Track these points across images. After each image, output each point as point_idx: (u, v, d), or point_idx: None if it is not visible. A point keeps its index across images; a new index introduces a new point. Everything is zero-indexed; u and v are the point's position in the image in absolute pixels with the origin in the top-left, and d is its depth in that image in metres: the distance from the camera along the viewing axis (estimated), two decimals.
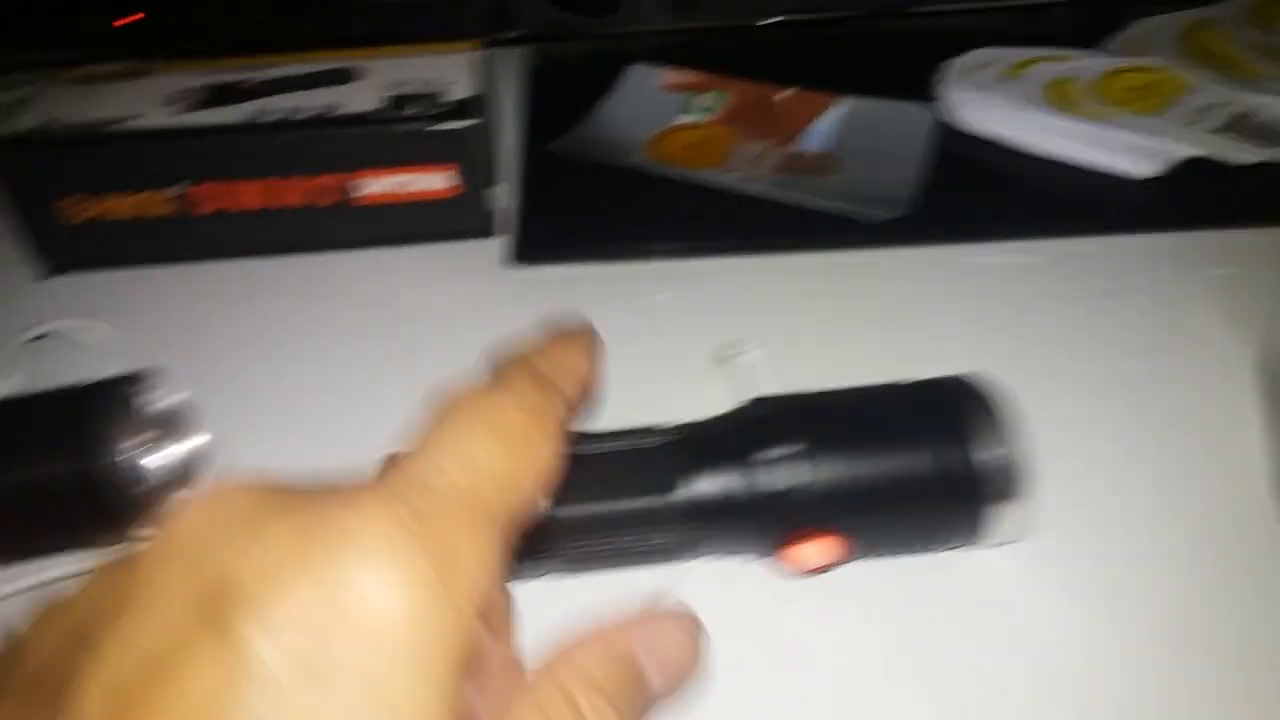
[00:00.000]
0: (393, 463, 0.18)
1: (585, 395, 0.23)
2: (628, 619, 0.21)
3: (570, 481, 0.26)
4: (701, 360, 0.36)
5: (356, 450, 0.35)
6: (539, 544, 0.27)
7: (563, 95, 0.52)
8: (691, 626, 0.22)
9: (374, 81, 0.44)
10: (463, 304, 0.42)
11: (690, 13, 0.57)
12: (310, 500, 0.16)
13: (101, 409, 0.28)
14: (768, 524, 0.26)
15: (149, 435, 0.29)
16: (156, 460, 0.29)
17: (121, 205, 0.42)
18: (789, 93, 0.49)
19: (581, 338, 0.24)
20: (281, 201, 0.42)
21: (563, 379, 0.22)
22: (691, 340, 0.38)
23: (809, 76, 0.50)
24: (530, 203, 0.45)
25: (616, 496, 0.26)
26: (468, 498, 0.17)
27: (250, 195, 0.42)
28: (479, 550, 0.17)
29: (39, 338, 0.39)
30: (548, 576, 0.28)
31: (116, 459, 0.27)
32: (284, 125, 0.41)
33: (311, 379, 0.38)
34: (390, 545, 0.15)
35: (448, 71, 0.44)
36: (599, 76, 0.52)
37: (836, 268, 0.40)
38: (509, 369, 0.22)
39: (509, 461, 0.18)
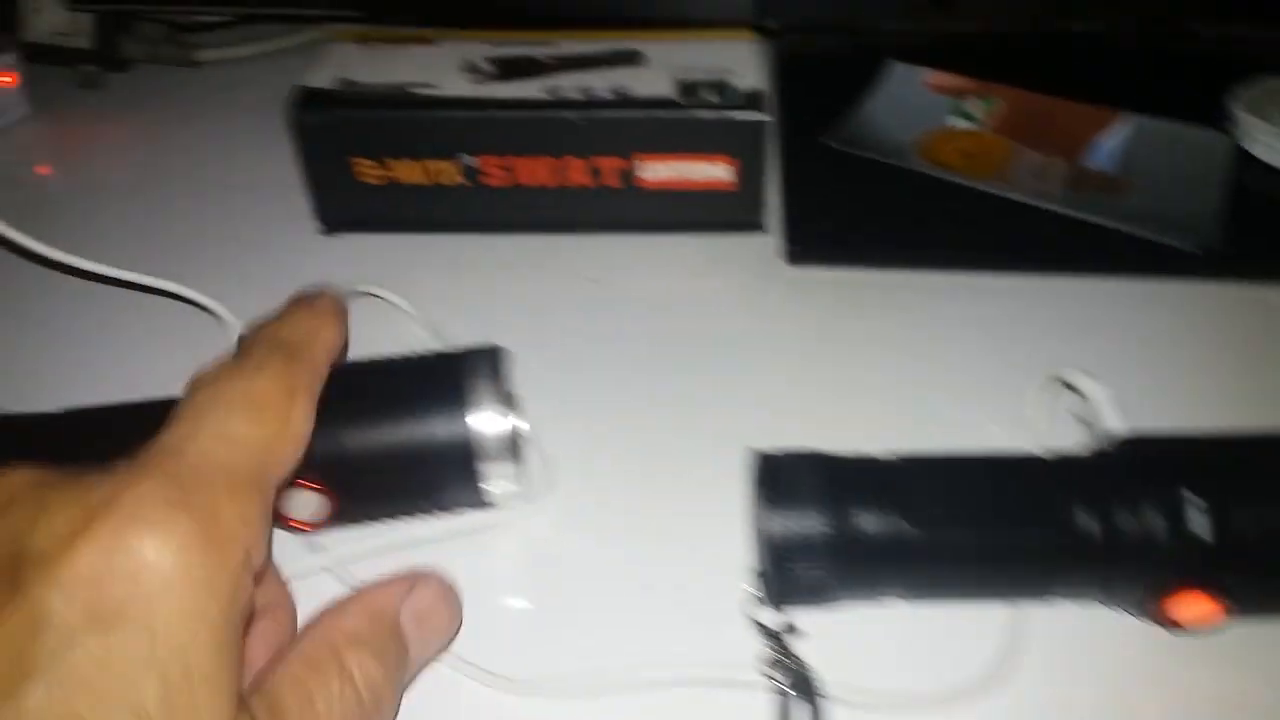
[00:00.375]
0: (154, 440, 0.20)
1: (334, 359, 0.26)
2: (388, 583, 0.24)
3: (929, 502, 0.26)
4: (1007, 382, 0.35)
5: (627, 429, 0.35)
6: (889, 567, 0.26)
7: (815, 88, 0.51)
8: (448, 591, 0.25)
9: (660, 65, 0.43)
10: (737, 298, 0.41)
11: (945, 13, 0.55)
12: (89, 481, 0.19)
13: (479, 377, 0.28)
14: (1148, 574, 0.25)
15: (500, 409, 0.29)
16: (503, 434, 0.29)
17: (412, 170, 0.42)
18: (1066, 105, 0.48)
19: (325, 303, 0.27)
20: (567, 180, 0.42)
21: (311, 346, 0.24)
22: (990, 360, 0.37)
23: (1081, 89, 0.48)
24: (797, 198, 0.45)
25: (988, 524, 0.26)
26: (226, 466, 0.20)
27: (539, 171, 0.42)
28: (240, 512, 0.19)
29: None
30: (883, 601, 0.28)
31: (483, 429, 0.28)
32: (582, 105, 0.41)
33: (585, 359, 0.38)
34: (160, 514, 0.18)
35: (733, 61, 0.44)
36: (851, 72, 0.51)
37: (1144, 296, 0.39)
38: (256, 341, 0.24)
39: (260, 429, 0.21)
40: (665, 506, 0.33)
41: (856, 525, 0.26)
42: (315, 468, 0.28)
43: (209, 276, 0.38)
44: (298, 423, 0.22)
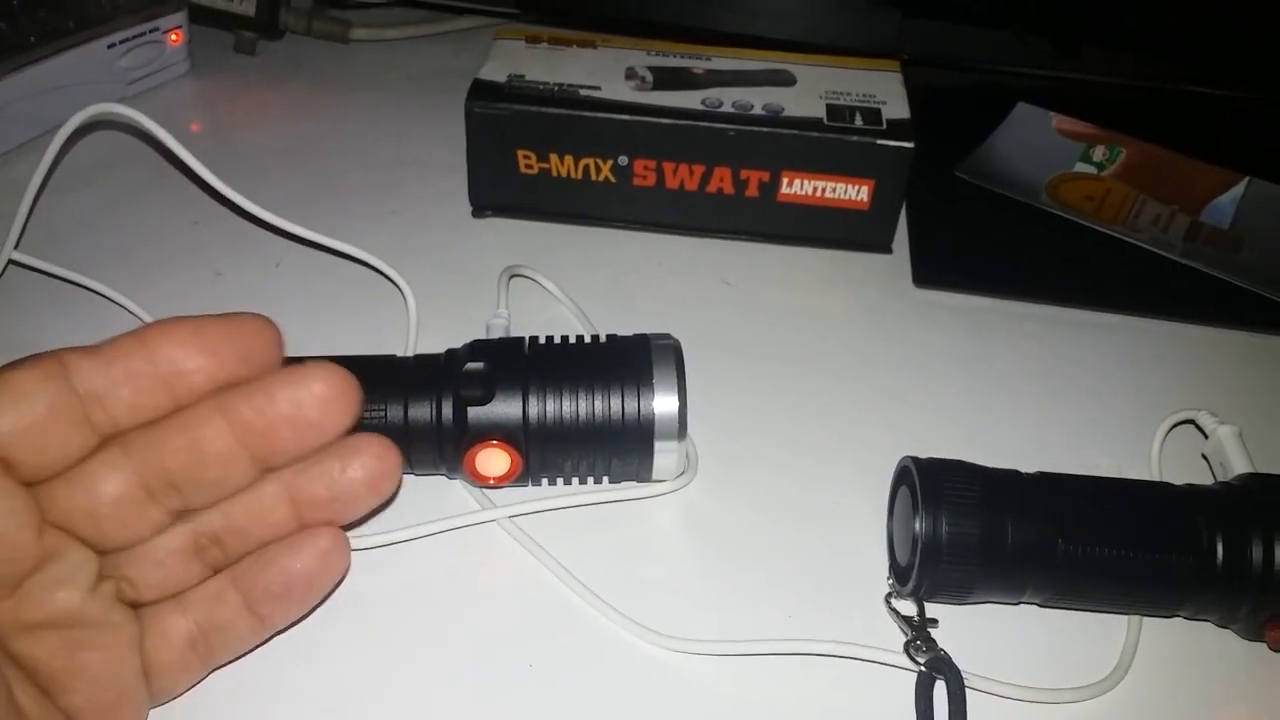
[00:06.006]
0: None
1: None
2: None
3: (1081, 520, 0.29)
4: (1129, 417, 0.38)
5: (760, 423, 0.38)
6: (1035, 574, 0.29)
7: (942, 120, 0.53)
8: None
9: (811, 87, 0.46)
10: (865, 312, 0.44)
11: (1072, 61, 0.57)
12: None
13: (665, 364, 0.31)
14: (1265, 601, 0.28)
15: (679, 394, 0.32)
16: (678, 416, 0.32)
17: (566, 165, 0.45)
18: (1187, 161, 0.50)
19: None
20: (711, 187, 0.45)
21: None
22: (1113, 394, 0.39)
23: (1201, 148, 0.50)
24: (924, 223, 0.47)
25: (1132, 545, 0.28)
26: None
27: (686, 177, 0.45)
28: None
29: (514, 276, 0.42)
30: (1019, 603, 0.30)
31: (664, 410, 0.31)
32: (737, 119, 0.44)
33: (717, 355, 0.41)
34: None
35: (881, 89, 0.46)
36: (977, 108, 0.54)
37: (1258, 350, 0.41)
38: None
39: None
40: (798, 496, 0.35)
41: (1011, 533, 0.28)
42: (507, 431, 0.31)
43: (363, 246, 0.41)
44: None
